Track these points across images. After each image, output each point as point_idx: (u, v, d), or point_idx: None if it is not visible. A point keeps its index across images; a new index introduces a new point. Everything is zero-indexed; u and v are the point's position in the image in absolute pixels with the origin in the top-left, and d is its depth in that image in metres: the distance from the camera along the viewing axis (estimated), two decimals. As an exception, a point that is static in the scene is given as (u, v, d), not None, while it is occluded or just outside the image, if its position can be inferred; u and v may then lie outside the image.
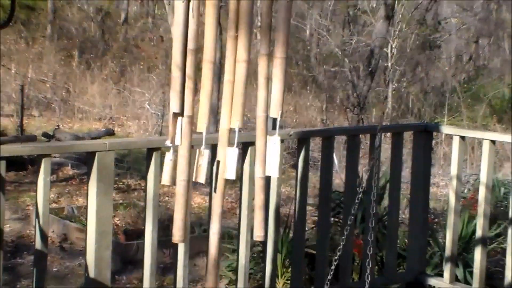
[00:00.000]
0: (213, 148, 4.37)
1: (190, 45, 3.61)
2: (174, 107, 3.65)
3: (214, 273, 3.81)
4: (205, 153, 3.73)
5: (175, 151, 3.71)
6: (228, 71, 3.62)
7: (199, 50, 3.67)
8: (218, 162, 3.72)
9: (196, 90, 3.67)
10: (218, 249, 3.80)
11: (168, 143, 3.73)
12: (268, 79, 3.61)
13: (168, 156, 3.73)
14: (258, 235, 3.71)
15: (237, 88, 3.59)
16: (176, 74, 3.64)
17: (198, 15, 3.63)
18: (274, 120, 3.72)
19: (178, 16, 3.63)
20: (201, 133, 3.67)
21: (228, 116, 3.64)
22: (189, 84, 3.62)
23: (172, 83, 3.64)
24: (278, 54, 3.58)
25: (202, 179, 3.79)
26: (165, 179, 3.77)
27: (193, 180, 3.75)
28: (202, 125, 3.62)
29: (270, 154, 3.65)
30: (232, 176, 3.68)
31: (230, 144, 3.70)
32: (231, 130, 3.66)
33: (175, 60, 3.64)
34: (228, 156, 3.67)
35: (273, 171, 3.66)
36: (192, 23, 3.61)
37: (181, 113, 3.66)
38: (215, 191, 3.95)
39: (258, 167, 3.70)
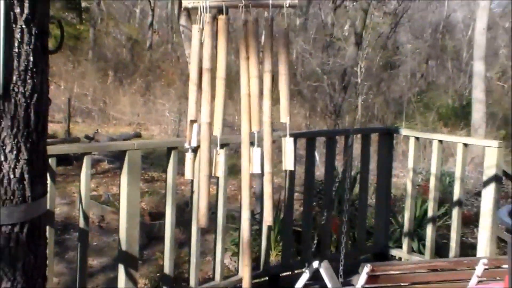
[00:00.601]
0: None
1: (206, 64, 3.58)
2: (190, 115, 3.64)
3: (247, 253, 3.78)
4: (221, 152, 3.70)
5: (193, 151, 3.69)
6: (244, 86, 3.60)
7: (212, 69, 3.65)
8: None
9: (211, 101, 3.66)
10: (249, 233, 3.77)
11: (186, 145, 3.71)
12: (271, 91, 3.59)
13: (188, 155, 3.71)
14: (267, 220, 3.68)
15: (253, 98, 3.56)
16: (192, 88, 3.62)
17: (212, 40, 3.61)
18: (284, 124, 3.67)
19: (195, 41, 3.61)
20: (216, 136, 3.65)
21: (248, 122, 3.62)
22: (206, 96, 3.60)
23: (190, 95, 3.62)
24: (282, 72, 3.56)
25: (220, 173, 3.77)
26: (187, 174, 3.75)
27: (213, 175, 3.74)
28: (217, 129, 3.61)
29: (286, 153, 3.62)
30: (258, 170, 3.65)
31: (251, 144, 3.68)
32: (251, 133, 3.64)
33: (192, 77, 3.62)
34: (254, 155, 3.64)
35: (290, 165, 3.63)
36: (207, 47, 3.59)
37: (196, 120, 3.65)
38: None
39: (266, 163, 3.67)
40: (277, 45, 3.58)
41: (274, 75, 3.71)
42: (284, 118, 3.54)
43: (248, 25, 3.55)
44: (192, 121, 3.65)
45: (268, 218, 3.65)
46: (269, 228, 5.13)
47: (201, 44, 3.58)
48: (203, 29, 3.57)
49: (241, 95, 3.60)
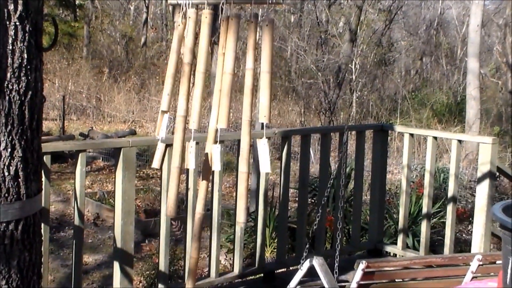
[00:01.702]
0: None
1: (186, 58, 3.59)
2: (163, 106, 3.67)
3: (196, 244, 3.79)
4: (193, 145, 3.67)
5: (162, 142, 3.71)
6: (218, 82, 3.59)
7: (193, 63, 3.66)
8: (206, 154, 3.69)
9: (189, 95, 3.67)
10: (200, 225, 3.77)
11: (156, 136, 3.73)
12: (252, 89, 3.55)
13: (158, 146, 3.73)
14: (239, 221, 3.61)
15: (223, 95, 3.54)
16: (168, 81, 3.65)
17: (193, 35, 3.60)
18: (263, 123, 3.67)
19: (176, 35, 3.62)
20: (191, 130, 3.66)
21: (216, 118, 3.60)
22: (182, 90, 3.60)
23: (165, 87, 3.65)
24: (264, 69, 3.53)
25: (191, 166, 3.73)
26: (155, 164, 3.77)
27: (186, 167, 3.73)
28: (192, 123, 3.60)
29: (261, 153, 3.57)
30: (218, 168, 3.62)
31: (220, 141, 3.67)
32: (217, 130, 3.62)
33: (169, 69, 3.64)
34: (213, 151, 3.62)
35: (265, 167, 3.58)
36: (188, 42, 3.59)
37: (167, 111, 3.67)
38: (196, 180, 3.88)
39: (241, 163, 3.64)
40: (262, 42, 3.57)
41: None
42: (263, 118, 3.49)
43: (228, 21, 3.55)
44: (163, 112, 3.67)
45: (240, 218, 3.57)
46: (264, 225, 5.12)
47: (183, 38, 3.59)
48: (185, 24, 3.58)
49: (214, 91, 3.61)
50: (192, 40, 3.58)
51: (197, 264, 3.85)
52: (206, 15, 3.55)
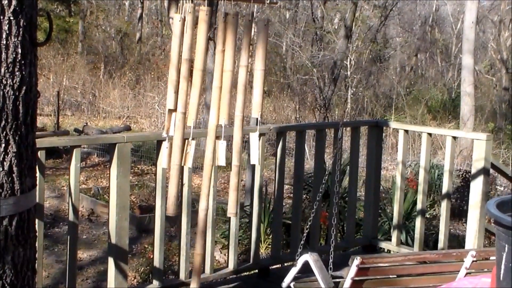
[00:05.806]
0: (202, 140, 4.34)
1: (185, 55, 3.59)
2: (169, 104, 3.65)
3: (201, 241, 3.79)
4: (192, 143, 3.70)
5: (170, 141, 3.70)
6: (217, 79, 3.61)
7: (192, 60, 3.66)
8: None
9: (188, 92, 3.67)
10: (204, 223, 3.80)
11: (164, 134, 3.72)
12: (246, 86, 3.60)
13: (164, 144, 3.74)
14: (231, 212, 3.71)
15: (224, 92, 3.57)
16: (171, 77, 3.64)
17: (192, 32, 3.61)
18: (256, 119, 3.72)
19: (176, 32, 3.62)
20: (190, 127, 3.67)
21: (216, 114, 3.64)
22: (182, 87, 3.61)
23: (169, 85, 3.64)
24: (258, 67, 3.56)
25: (189, 164, 3.75)
26: (162, 163, 3.78)
27: (182, 165, 3.74)
28: (191, 120, 3.62)
29: (252, 147, 3.63)
30: (223, 163, 3.68)
31: (218, 137, 3.70)
32: (219, 126, 3.65)
33: (171, 66, 3.63)
34: (218, 147, 3.65)
35: (254, 159, 3.66)
36: (187, 38, 3.59)
37: (175, 110, 3.66)
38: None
39: (234, 157, 3.69)
40: (257, 40, 3.58)
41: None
42: (256, 113, 3.54)
43: (227, 18, 3.55)
44: (171, 111, 3.66)
45: (232, 210, 3.68)
46: (259, 221, 5.13)
47: (182, 34, 3.59)
48: (184, 19, 3.57)
49: (212, 87, 3.62)
50: (191, 36, 3.59)
51: (203, 261, 3.88)
52: (206, 12, 3.55)
